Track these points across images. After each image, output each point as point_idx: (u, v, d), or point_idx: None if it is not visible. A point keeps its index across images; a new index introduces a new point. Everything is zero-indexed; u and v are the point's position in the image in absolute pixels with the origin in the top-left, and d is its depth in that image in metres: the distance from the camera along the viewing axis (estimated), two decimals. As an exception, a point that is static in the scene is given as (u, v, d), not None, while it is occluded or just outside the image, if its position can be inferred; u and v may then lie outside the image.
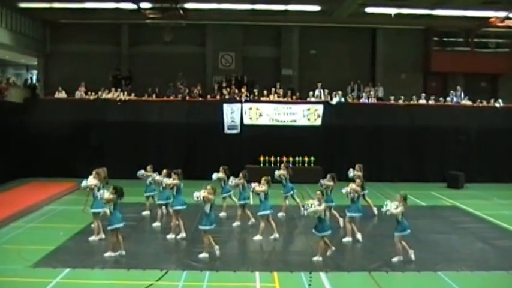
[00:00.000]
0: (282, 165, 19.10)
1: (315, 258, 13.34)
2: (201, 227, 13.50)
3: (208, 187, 13.56)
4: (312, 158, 26.76)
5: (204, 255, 13.33)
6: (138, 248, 14.29)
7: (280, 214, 18.13)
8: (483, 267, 13.13)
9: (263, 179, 15.69)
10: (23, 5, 27.05)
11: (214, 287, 11.60)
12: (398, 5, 27.01)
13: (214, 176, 17.85)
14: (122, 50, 31.70)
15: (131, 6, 26.18)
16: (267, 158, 26.62)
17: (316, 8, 27.55)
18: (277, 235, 15.44)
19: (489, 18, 28.29)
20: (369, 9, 27.42)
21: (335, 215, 16.83)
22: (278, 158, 26.53)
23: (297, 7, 27.75)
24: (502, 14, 27.15)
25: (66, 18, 30.01)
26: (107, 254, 13.33)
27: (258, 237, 15.35)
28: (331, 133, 27.38)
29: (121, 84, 29.13)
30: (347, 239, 15.29)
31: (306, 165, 26.68)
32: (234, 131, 27.25)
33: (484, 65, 31.45)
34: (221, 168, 17.97)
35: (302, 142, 27.03)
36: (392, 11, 27.65)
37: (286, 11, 28.38)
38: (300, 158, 26.79)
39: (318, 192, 13.89)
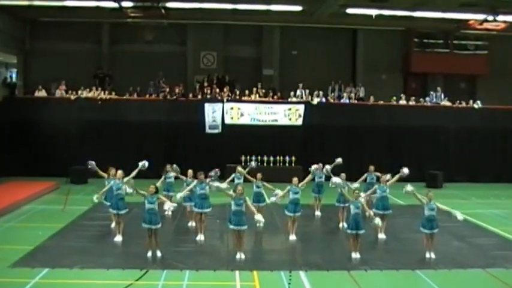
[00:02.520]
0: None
1: (354, 256, 13.63)
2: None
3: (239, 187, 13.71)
4: (293, 158, 26.87)
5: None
6: (118, 247, 14.26)
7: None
8: (460, 265, 13.35)
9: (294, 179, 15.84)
10: (1, 2, 26.70)
11: (194, 286, 11.62)
12: (379, 6, 27.17)
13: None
14: (102, 48, 31.46)
15: (112, 4, 25.99)
16: (248, 157, 26.58)
17: (297, 8, 27.59)
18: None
19: (468, 20, 28.57)
20: (350, 10, 27.51)
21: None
22: (259, 158, 26.60)
23: (279, 7, 27.75)
24: (481, 16, 27.43)
25: (46, 16, 29.67)
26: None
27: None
28: (312, 133, 27.52)
29: (104, 82, 28.95)
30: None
31: (286, 164, 26.79)
32: (216, 131, 27.25)
33: (463, 66, 31.75)
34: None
35: (283, 142, 27.21)
36: (373, 12, 27.77)
37: (267, 11, 28.38)
38: (281, 158, 26.89)
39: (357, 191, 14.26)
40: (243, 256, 13.44)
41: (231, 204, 13.50)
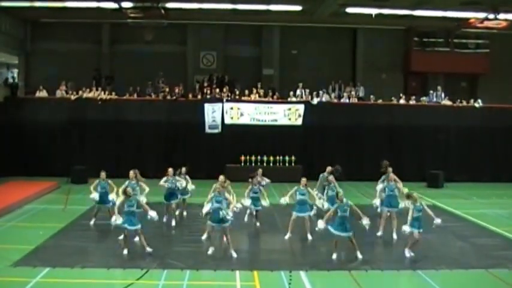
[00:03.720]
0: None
1: (359, 256, 13.57)
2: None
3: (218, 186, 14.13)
4: (293, 158, 26.86)
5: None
6: (118, 247, 14.24)
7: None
8: (462, 265, 13.30)
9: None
10: (3, 3, 26.74)
11: (194, 286, 11.60)
12: (378, 5, 27.17)
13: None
14: (102, 48, 31.50)
15: (112, 5, 26.00)
16: (247, 157, 26.65)
17: (297, 7, 27.61)
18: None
19: (468, 19, 28.56)
20: (350, 10, 27.52)
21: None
22: (259, 158, 26.61)
23: (278, 7, 27.77)
24: (481, 15, 27.41)
25: (47, 17, 29.73)
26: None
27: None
28: (312, 133, 27.51)
29: (101, 83, 28.91)
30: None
31: (286, 164, 26.80)
32: (215, 131, 27.22)
33: (463, 65, 31.72)
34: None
35: (283, 141, 27.21)
36: (373, 11, 27.78)
37: (267, 10, 28.38)
38: (281, 158, 26.89)
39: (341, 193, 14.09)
40: (234, 254, 13.52)
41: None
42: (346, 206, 13.57)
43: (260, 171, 18.18)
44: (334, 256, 13.50)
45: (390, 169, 17.65)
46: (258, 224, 17.03)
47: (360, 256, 13.53)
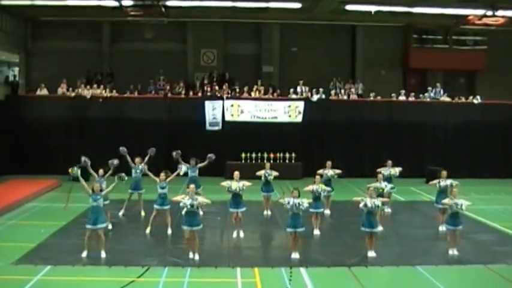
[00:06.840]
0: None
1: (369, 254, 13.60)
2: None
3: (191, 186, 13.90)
4: (293, 154, 26.91)
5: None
6: (119, 244, 14.34)
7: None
8: (461, 261, 13.41)
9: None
10: (4, 2, 26.83)
11: (195, 283, 11.70)
12: (378, 2, 27.20)
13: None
14: (103, 47, 31.54)
15: (113, 3, 26.06)
16: (248, 154, 26.71)
17: (296, 5, 27.62)
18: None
19: (467, 16, 28.57)
20: (349, 7, 27.55)
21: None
22: (259, 155, 26.70)
23: (278, 4, 27.77)
24: (480, 12, 27.45)
25: (47, 15, 29.78)
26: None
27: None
28: (312, 129, 27.58)
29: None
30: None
31: (286, 161, 26.86)
32: (216, 128, 27.30)
33: (462, 62, 31.73)
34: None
35: (283, 138, 27.24)
36: (372, 8, 27.83)
37: (267, 8, 28.41)
38: (281, 154, 26.93)
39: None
40: (196, 257, 13.12)
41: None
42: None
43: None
44: (373, 254, 13.61)
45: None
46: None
47: (374, 254, 13.60)
